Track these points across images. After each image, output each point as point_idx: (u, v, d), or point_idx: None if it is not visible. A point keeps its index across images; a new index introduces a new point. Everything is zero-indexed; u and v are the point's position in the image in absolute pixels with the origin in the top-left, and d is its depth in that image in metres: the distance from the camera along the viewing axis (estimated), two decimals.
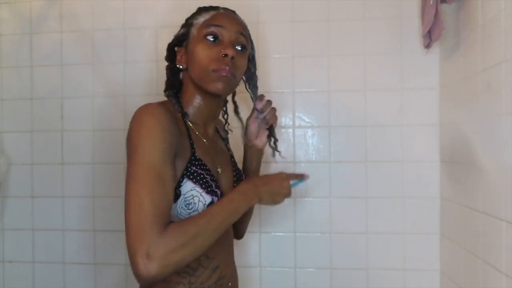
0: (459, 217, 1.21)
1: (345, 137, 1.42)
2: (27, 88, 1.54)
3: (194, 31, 0.95)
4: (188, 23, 0.97)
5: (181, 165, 0.85)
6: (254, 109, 1.05)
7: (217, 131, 1.08)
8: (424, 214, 1.38)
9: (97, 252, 1.51)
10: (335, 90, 1.42)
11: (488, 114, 1.02)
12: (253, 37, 1.02)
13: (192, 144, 0.89)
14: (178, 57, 0.98)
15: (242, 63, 0.95)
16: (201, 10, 0.97)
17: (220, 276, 0.93)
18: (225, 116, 1.13)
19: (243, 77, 1.05)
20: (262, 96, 1.04)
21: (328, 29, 1.42)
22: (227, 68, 0.89)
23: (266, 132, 1.07)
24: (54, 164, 1.53)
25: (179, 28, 1.00)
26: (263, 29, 1.44)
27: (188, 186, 0.84)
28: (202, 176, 0.87)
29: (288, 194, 0.95)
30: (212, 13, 0.95)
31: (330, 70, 1.42)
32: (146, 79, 1.49)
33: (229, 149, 1.10)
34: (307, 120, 1.43)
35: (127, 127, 0.84)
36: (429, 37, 1.24)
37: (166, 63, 1.01)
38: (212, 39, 0.91)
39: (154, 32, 1.48)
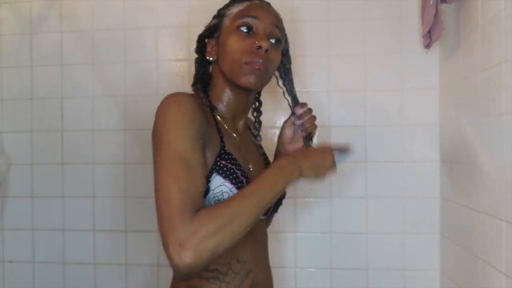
0: (459, 217, 1.21)
1: (345, 137, 1.42)
2: (27, 88, 1.55)
3: (226, 21, 0.90)
4: (220, 14, 0.93)
5: (209, 159, 0.79)
6: (292, 113, 0.99)
7: (248, 128, 1.02)
8: (424, 214, 1.38)
9: (97, 252, 1.51)
10: (335, 90, 1.42)
11: (488, 114, 1.02)
12: None
13: (221, 137, 0.84)
14: (208, 49, 0.93)
15: (276, 57, 0.90)
16: (234, 1, 0.92)
17: (253, 283, 0.86)
18: (255, 114, 1.05)
19: (276, 73, 0.99)
20: (304, 104, 0.97)
21: (328, 29, 1.42)
22: (261, 61, 0.84)
23: (301, 139, 0.99)
24: (54, 164, 1.53)
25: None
26: None
27: (217, 181, 0.79)
28: (232, 171, 0.81)
29: (332, 168, 0.87)
30: (246, 3, 0.90)
31: (330, 70, 1.42)
32: (146, 79, 1.49)
33: (261, 147, 1.03)
34: None
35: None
36: (429, 37, 1.24)
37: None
38: (245, 31, 0.86)
39: (154, 32, 1.48)
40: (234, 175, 0.80)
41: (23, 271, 1.55)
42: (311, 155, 0.85)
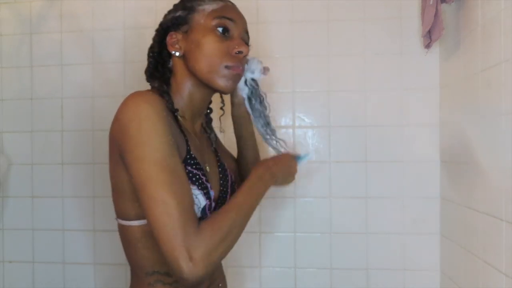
0: (459, 217, 1.21)
1: (345, 137, 1.42)
2: (27, 88, 1.54)
3: (199, 18, 0.86)
4: (188, 7, 0.88)
5: None
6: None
7: (201, 125, 1.01)
8: (424, 214, 1.38)
9: (97, 252, 1.51)
10: (335, 90, 1.42)
11: (488, 114, 1.02)
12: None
13: (186, 141, 0.83)
14: (170, 41, 0.88)
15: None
16: None
17: (212, 280, 0.89)
18: (207, 111, 1.05)
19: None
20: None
21: (328, 29, 1.42)
22: (241, 66, 0.86)
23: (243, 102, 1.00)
24: (54, 164, 1.53)
25: None
26: (263, 29, 1.44)
27: None
28: (198, 176, 0.80)
29: (296, 172, 0.96)
30: (220, 3, 0.88)
31: (330, 70, 1.42)
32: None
33: (212, 143, 1.01)
34: (307, 120, 1.43)
35: None
36: (429, 37, 1.24)
37: None
38: (221, 32, 0.85)
39: (154, 32, 1.48)
40: (200, 181, 0.80)
41: (23, 271, 1.55)
42: (281, 162, 0.91)
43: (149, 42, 1.48)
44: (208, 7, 0.87)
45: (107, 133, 1.49)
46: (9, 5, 1.56)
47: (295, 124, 1.44)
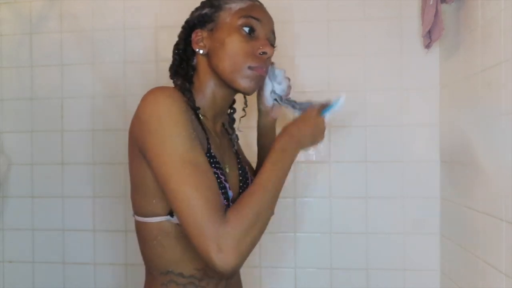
0: (459, 217, 1.21)
1: (345, 137, 1.42)
2: (27, 88, 1.54)
3: (226, 16, 0.84)
4: (215, 5, 0.86)
5: None
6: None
7: (222, 125, 0.99)
8: (424, 214, 1.38)
9: (97, 252, 1.51)
10: (335, 90, 1.42)
11: (488, 114, 1.02)
12: None
13: (207, 139, 0.82)
14: (194, 39, 0.86)
15: (269, 64, 0.90)
16: None
17: (226, 285, 0.87)
18: (229, 111, 1.02)
19: None
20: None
21: (328, 29, 1.42)
22: (265, 68, 0.84)
23: (280, 107, 0.99)
24: (54, 164, 1.53)
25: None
26: None
27: None
28: (217, 175, 0.78)
29: (324, 129, 0.90)
30: (248, 2, 0.86)
31: (330, 70, 1.42)
32: (146, 79, 1.49)
33: (234, 145, 0.99)
34: None
35: (127, 127, 0.80)
36: (429, 37, 1.24)
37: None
38: (247, 32, 0.83)
39: (154, 32, 1.48)
40: (219, 180, 0.78)
41: (23, 271, 1.55)
42: (305, 125, 0.87)
43: (149, 42, 1.49)
44: (235, 5, 0.85)
45: (107, 133, 1.49)
46: (9, 5, 1.56)
47: None
